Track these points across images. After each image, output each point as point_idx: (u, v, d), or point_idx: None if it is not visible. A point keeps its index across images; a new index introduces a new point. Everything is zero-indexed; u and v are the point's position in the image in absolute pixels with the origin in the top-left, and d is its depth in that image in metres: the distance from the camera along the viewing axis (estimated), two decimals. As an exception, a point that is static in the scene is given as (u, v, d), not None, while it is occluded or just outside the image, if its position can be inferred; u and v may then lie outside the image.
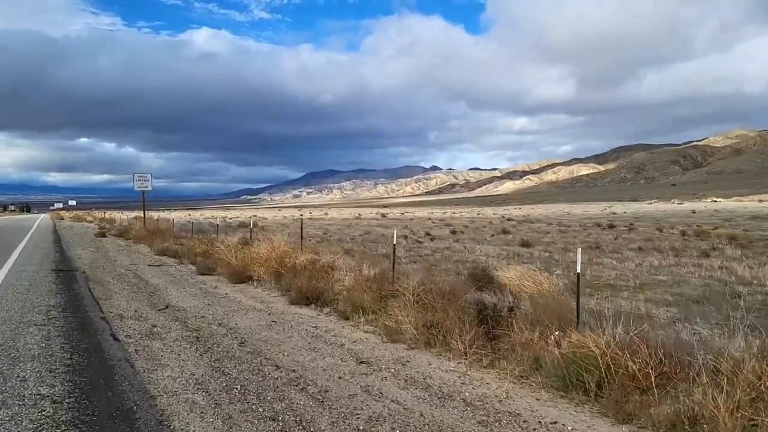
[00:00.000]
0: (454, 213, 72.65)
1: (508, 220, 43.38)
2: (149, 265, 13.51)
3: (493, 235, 23.34)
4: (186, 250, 16.33)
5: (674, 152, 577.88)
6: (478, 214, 67.10)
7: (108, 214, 59.14)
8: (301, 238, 12.23)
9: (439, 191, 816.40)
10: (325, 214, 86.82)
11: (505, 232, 23.82)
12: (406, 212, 79.12)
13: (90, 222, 47.32)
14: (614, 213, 60.94)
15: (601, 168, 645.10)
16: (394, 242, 8.66)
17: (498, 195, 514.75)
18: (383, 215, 58.69)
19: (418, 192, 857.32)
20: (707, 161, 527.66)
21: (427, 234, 23.78)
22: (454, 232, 25.17)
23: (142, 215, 26.10)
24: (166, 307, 7.84)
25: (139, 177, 24.70)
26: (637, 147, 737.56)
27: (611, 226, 28.14)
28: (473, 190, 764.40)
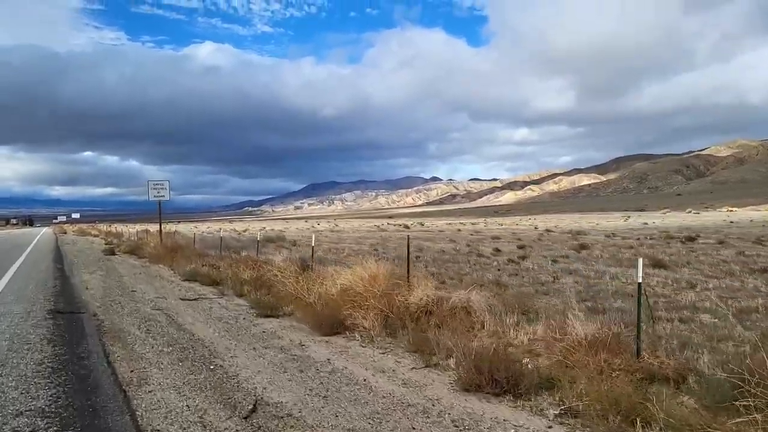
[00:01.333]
0: (475, 224, 69.21)
1: (548, 231, 39.94)
2: (182, 299, 10.04)
3: (579, 251, 19.96)
4: (222, 274, 12.89)
5: (676, 162, 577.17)
6: (501, 225, 63.70)
7: (113, 228, 55.73)
8: (408, 261, 8.72)
9: (440, 202, 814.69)
10: (336, 225, 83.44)
11: (583, 247, 20.38)
12: (426, 223, 75.65)
13: (95, 236, 43.88)
14: (646, 224, 57.49)
15: (603, 178, 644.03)
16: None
17: (501, 205, 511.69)
18: (406, 226, 55.23)
19: (419, 203, 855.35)
20: (710, 171, 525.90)
21: (498, 250, 20.36)
22: (522, 248, 21.72)
23: (158, 229, 22.66)
24: (253, 408, 4.33)
25: (154, 185, 21.33)
26: (638, 157, 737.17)
27: (690, 239, 24.66)
28: (474, 200, 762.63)
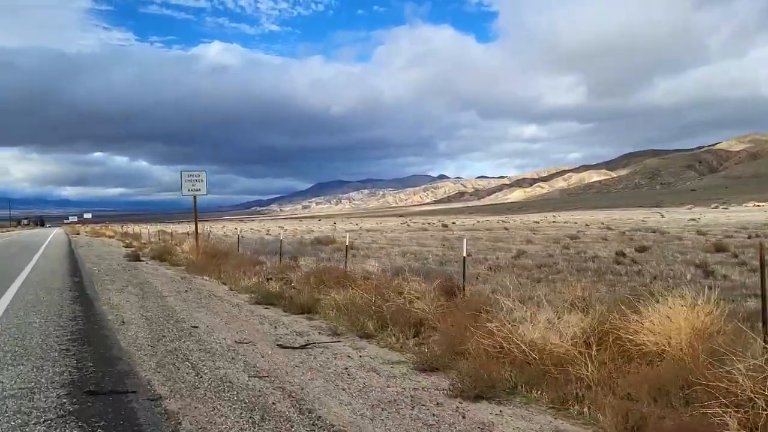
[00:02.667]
0: (503, 221, 65.12)
1: (609, 228, 35.90)
2: (283, 347, 6.20)
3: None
4: (305, 294, 9.09)
5: (688, 157, 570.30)
6: (537, 222, 59.68)
7: (127, 228, 52.23)
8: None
9: (448, 200, 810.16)
10: (357, 225, 79.66)
11: (720, 249, 16.45)
12: (446, 221, 71.62)
13: (110, 237, 40.29)
14: (693, 220, 53.21)
15: (613, 174, 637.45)
16: None
17: (512, 202, 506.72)
18: (444, 225, 51.22)
19: (427, 201, 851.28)
20: (723, 166, 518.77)
21: (621, 253, 16.41)
22: (642, 249, 17.75)
23: (186, 231, 18.89)
24: None
25: (189, 177, 17.52)
26: (647, 153, 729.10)
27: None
28: (482, 198, 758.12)
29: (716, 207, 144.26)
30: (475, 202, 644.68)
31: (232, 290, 11.16)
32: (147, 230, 44.59)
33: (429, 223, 65.38)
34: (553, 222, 59.19)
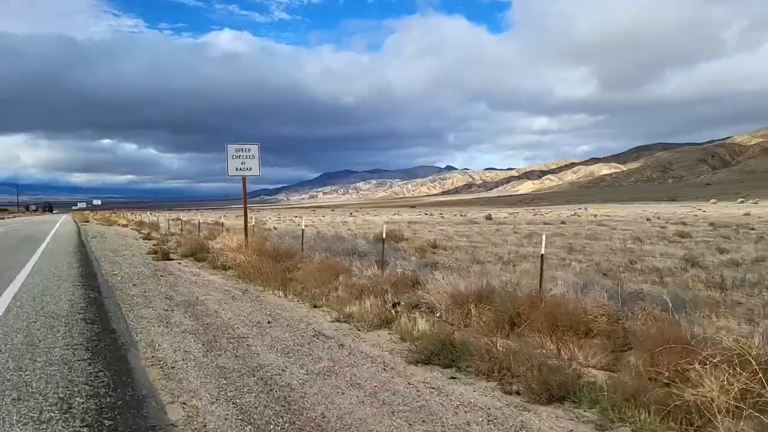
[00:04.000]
0: (538, 213, 60.70)
1: (683, 224, 31.49)
2: None
3: None
4: (496, 348, 4.91)
5: (700, 151, 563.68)
6: (577, 215, 55.26)
7: (141, 216, 48.23)
8: None
9: (456, 191, 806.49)
10: (391, 217, 75.68)
11: None
12: (492, 214, 67.21)
13: (124, 226, 36.18)
14: (748, 214, 48.58)
15: (623, 167, 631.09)
16: None
17: (523, 194, 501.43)
18: (488, 217, 46.73)
19: (434, 192, 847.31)
20: (736, 160, 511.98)
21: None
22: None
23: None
24: None
25: (237, 152, 13.22)
26: (657, 146, 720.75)
27: None
28: (491, 190, 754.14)
29: (742, 201, 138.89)
30: (483, 194, 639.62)
31: (340, 321, 7.00)
32: (161, 219, 40.55)
33: (462, 215, 61.04)
34: (603, 215, 54.73)
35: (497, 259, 13.69)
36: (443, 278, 8.30)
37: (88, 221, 48.94)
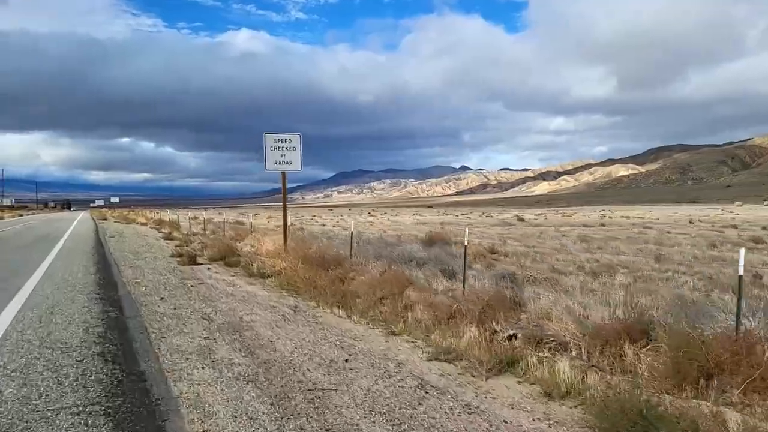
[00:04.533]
0: (558, 215, 58.39)
1: (734, 227, 29.23)
2: None
3: None
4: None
5: (720, 152, 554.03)
6: (600, 216, 52.94)
7: (158, 214, 46.95)
8: None
9: (471, 191, 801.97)
10: (396, 215, 74.01)
11: None
12: (523, 215, 65.13)
13: (143, 224, 34.80)
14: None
15: (641, 169, 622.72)
16: None
17: (539, 195, 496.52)
18: (520, 219, 44.57)
19: (449, 192, 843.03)
20: (756, 162, 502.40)
21: None
22: None
23: (282, 221, 13.03)
24: None
25: (276, 142, 11.45)
26: (675, 147, 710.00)
27: None
28: (506, 190, 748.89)
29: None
30: (499, 195, 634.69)
31: (439, 360, 5.22)
32: (180, 216, 39.19)
33: (488, 215, 58.96)
34: (636, 218, 52.38)
35: (577, 269, 11.82)
36: (555, 300, 6.50)
37: (105, 219, 47.79)
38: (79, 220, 48.07)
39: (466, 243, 8.17)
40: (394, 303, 7.63)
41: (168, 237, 22.87)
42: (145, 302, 7.96)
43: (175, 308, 7.56)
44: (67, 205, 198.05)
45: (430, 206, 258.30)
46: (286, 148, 11.60)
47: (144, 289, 9.17)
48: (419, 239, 16.68)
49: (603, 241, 20.09)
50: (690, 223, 39.05)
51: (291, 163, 11.67)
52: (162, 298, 8.31)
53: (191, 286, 9.70)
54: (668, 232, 26.32)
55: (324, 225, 37.43)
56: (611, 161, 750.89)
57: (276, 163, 11.53)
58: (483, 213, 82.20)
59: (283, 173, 11.72)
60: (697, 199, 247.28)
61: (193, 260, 13.43)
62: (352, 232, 11.83)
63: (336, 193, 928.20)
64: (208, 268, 12.49)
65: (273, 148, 11.52)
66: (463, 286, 7.81)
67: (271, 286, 9.97)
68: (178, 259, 14.20)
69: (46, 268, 11.85)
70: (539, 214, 68.12)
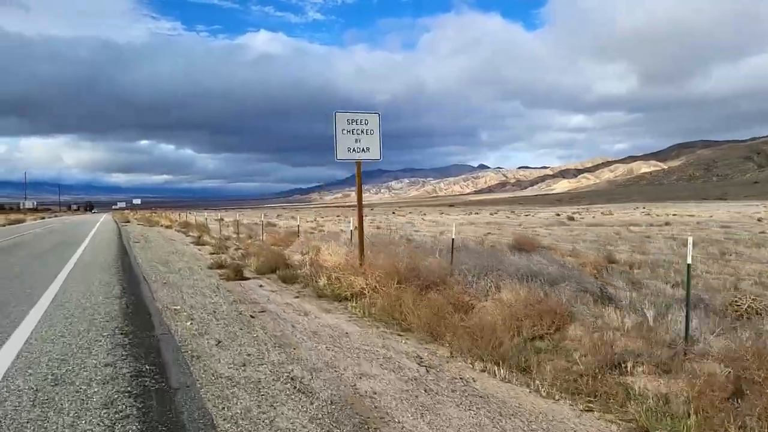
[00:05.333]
0: (600, 214, 54.97)
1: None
2: None
3: None
4: None
5: (744, 148, 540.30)
6: (644, 214, 49.45)
7: (183, 216, 44.83)
8: None
9: (489, 190, 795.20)
10: (424, 215, 71.29)
11: None
12: (542, 213, 61.90)
13: (167, 227, 32.49)
14: None
15: (663, 165, 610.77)
16: None
17: (560, 194, 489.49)
18: (571, 218, 41.26)
19: (467, 191, 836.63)
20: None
21: None
22: None
23: (358, 219, 10.35)
24: None
25: (348, 123, 8.68)
26: (698, 143, 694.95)
27: None
28: (525, 189, 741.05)
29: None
30: (518, 193, 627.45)
31: None
32: (203, 218, 36.91)
33: (530, 215, 55.72)
34: (686, 216, 48.86)
35: (753, 283, 8.96)
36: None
37: (128, 221, 45.79)
38: (101, 222, 46.15)
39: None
40: (565, 353, 4.92)
41: (198, 242, 20.44)
42: (197, 351, 5.34)
43: (243, 365, 4.92)
44: (89, 207, 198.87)
45: (451, 205, 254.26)
46: (362, 131, 8.94)
47: (189, 324, 6.56)
48: (502, 244, 13.88)
49: (711, 245, 17.05)
50: (758, 221, 35.63)
51: (368, 150, 8.99)
52: (218, 343, 5.69)
53: (251, 316, 7.08)
54: (763, 233, 23.10)
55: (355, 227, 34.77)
56: (632, 158, 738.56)
57: (349, 150, 8.87)
58: (515, 212, 78.91)
59: (358, 164, 9.06)
60: (724, 195, 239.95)
61: (239, 274, 10.85)
62: (453, 239, 9.08)
63: (354, 193, 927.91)
64: (261, 285, 9.89)
65: (345, 132, 8.85)
66: (686, 333, 5.03)
67: (357, 315, 7.30)
68: (220, 271, 11.65)
69: (60, 286, 9.33)
70: (574, 213, 64.68)
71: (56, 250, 17.58)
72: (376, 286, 8.00)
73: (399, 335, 6.22)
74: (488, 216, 56.06)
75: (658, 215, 51.76)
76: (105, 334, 5.97)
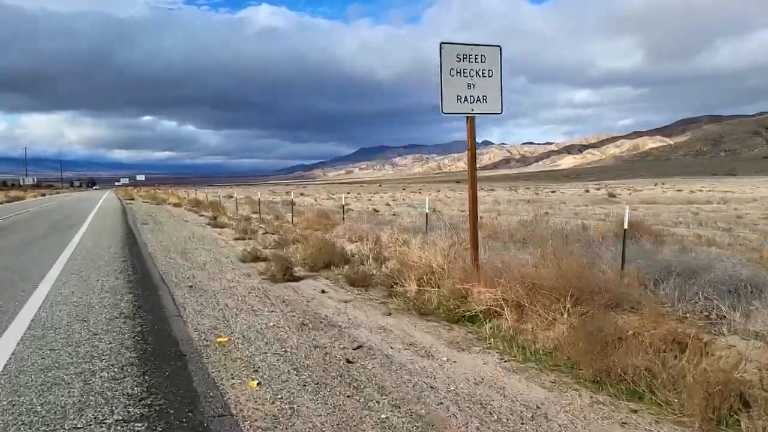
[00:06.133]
0: (634, 189, 52.06)
1: None
2: None
3: None
4: None
5: (752, 123, 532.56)
6: (676, 191, 46.53)
7: (188, 193, 42.10)
8: None
9: (494, 166, 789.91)
10: (438, 191, 68.62)
11: None
12: (564, 191, 58.97)
13: (176, 205, 29.70)
14: None
15: (670, 141, 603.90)
16: None
17: (566, 170, 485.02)
18: (611, 195, 38.28)
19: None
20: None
21: None
22: None
23: (470, 201, 8.58)
24: None
25: (457, 61, 5.81)
26: (704, 119, 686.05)
27: None
28: (529, 165, 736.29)
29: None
30: (524, 169, 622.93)
31: None
32: (210, 196, 34.16)
33: (560, 191, 52.84)
34: (725, 193, 45.97)
35: None
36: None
37: (132, 199, 43.07)
38: (104, 200, 43.45)
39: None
40: None
41: (214, 223, 17.71)
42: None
43: None
44: (91, 183, 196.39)
45: (458, 181, 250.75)
46: (477, 73, 6.13)
47: (257, 387, 3.84)
48: (599, 230, 11.11)
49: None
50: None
51: (485, 100, 6.19)
52: (319, 417, 2.99)
53: (347, 361, 4.36)
54: None
55: (374, 204, 31.95)
56: (637, 134, 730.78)
57: (459, 101, 6.05)
58: (538, 189, 75.93)
59: (470, 120, 6.24)
60: (734, 171, 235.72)
61: (287, 272, 8.11)
62: (625, 230, 6.30)
63: (357, 169, 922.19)
64: (323, 290, 7.17)
65: (454, 73, 6.03)
66: None
67: (512, 355, 4.57)
68: (257, 266, 8.95)
69: (42, 300, 6.60)
70: (598, 188, 61.72)
71: (54, 234, 14.89)
72: (520, 303, 5.26)
73: (634, 411, 3.50)
74: (508, 193, 53.21)
75: (691, 191, 48.81)
76: (113, 406, 3.26)
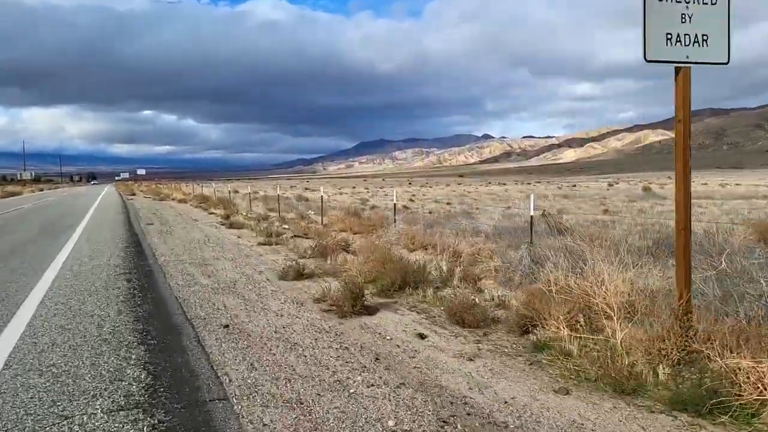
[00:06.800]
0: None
1: None
2: None
3: None
4: None
5: (754, 116, 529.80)
6: (702, 185, 44.15)
7: (193, 188, 39.72)
8: None
9: (495, 160, 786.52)
10: (447, 185, 66.39)
11: None
12: (581, 185, 56.62)
13: (181, 201, 27.24)
14: None
15: (671, 134, 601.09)
16: None
17: (568, 163, 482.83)
18: (646, 188, 35.72)
19: (472, 161, 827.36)
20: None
21: None
22: None
23: (681, 193, 5.63)
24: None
25: None
26: (705, 112, 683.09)
27: None
28: (530, 158, 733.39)
29: None
30: (525, 163, 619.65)
31: None
32: (216, 191, 31.82)
33: (570, 186, 50.49)
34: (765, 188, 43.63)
35: None
36: None
37: (134, 194, 40.69)
38: (103, 196, 41.11)
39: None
40: None
41: (229, 223, 15.37)
42: None
43: None
44: (90, 177, 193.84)
45: (461, 175, 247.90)
46: (696, 1, 3.84)
47: None
48: (731, 234, 8.82)
49: None
50: None
51: (705, 41, 3.90)
52: None
53: None
54: None
55: (408, 202, 29.62)
56: (638, 127, 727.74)
57: (669, 42, 3.75)
58: (560, 184, 73.54)
59: (684, 74, 3.91)
60: (739, 164, 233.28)
61: (357, 302, 5.78)
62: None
63: (357, 163, 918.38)
64: (422, 335, 4.86)
65: (666, 6, 3.71)
66: None
67: None
68: (301, 285, 6.65)
69: (11, 357, 4.30)
70: (611, 184, 59.34)
71: (42, 240, 12.57)
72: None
73: None
74: (523, 187, 50.87)
75: (727, 185, 46.42)
76: None
